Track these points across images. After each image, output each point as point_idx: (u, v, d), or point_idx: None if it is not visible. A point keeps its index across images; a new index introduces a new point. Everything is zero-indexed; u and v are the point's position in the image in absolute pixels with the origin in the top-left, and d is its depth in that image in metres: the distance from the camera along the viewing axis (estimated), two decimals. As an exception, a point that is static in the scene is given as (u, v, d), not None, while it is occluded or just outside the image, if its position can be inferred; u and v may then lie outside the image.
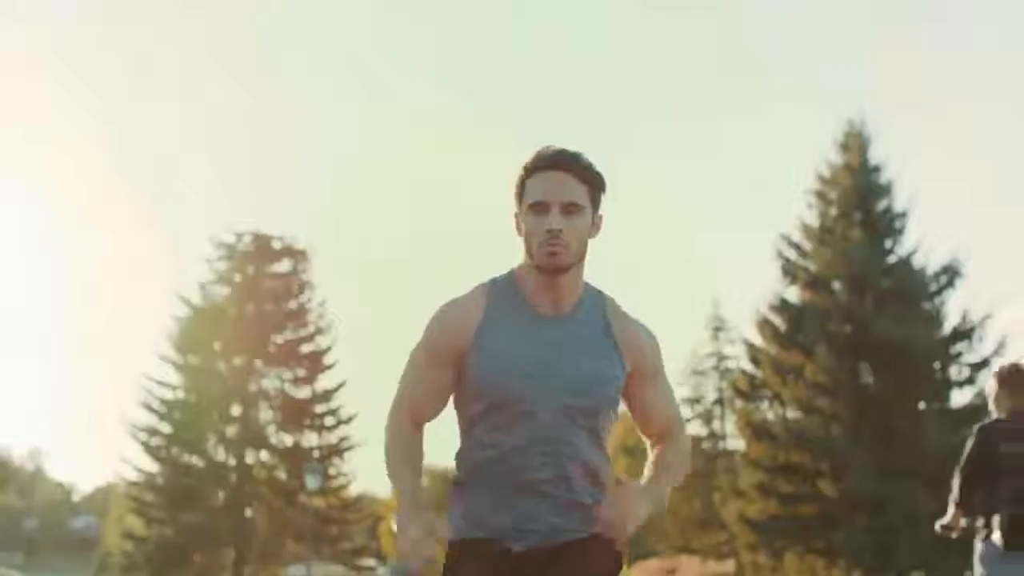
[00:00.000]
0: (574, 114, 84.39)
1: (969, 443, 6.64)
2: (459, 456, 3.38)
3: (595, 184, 3.27)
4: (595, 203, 3.28)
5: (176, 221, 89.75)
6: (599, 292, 3.36)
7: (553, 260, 3.19)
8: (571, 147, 3.34)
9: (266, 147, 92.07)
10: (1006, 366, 6.70)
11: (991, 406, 6.72)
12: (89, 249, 65.87)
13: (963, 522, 6.72)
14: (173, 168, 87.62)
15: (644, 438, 3.49)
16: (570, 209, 3.20)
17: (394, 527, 3.18)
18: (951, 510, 6.72)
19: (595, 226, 3.30)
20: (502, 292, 3.30)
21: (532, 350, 3.22)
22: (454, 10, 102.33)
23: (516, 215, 3.31)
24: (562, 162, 3.24)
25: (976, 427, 6.63)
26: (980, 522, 6.63)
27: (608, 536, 3.22)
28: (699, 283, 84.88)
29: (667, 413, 3.42)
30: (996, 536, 6.47)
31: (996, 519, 6.46)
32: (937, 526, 6.91)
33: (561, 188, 3.21)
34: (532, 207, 3.22)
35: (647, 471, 3.39)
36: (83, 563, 61.88)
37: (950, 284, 31.20)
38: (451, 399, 3.39)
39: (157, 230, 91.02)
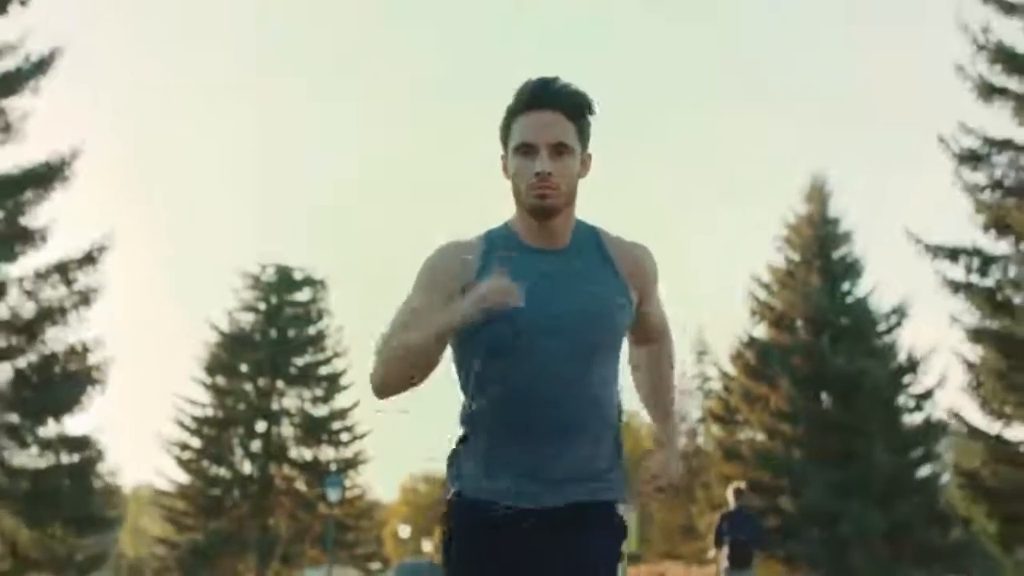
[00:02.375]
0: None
1: None
2: (462, 412, 3.30)
3: (584, 119, 3.21)
4: (584, 141, 3.22)
5: (203, 253, 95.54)
6: (589, 225, 3.33)
7: (543, 203, 3.15)
8: (558, 78, 3.22)
9: (285, 181, 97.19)
10: None
11: None
12: (123, 278, 71.70)
13: None
14: (200, 202, 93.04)
15: (631, 341, 3.48)
16: (559, 150, 3.15)
17: (456, 315, 3.07)
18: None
19: (584, 165, 3.25)
20: (499, 236, 3.27)
21: (535, 283, 3.14)
22: (469, 24, 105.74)
23: (503, 157, 3.25)
24: (549, 99, 3.17)
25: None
26: None
27: (656, 487, 3.38)
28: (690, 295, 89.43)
29: (659, 320, 3.47)
30: None
31: None
32: None
33: (549, 129, 3.15)
34: (518, 149, 3.17)
35: (651, 396, 3.56)
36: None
37: (899, 323, 36.87)
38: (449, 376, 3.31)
39: (186, 261, 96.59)
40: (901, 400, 36.81)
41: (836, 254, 37.49)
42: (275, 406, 43.53)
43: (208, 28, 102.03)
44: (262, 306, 44.43)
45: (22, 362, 22.44)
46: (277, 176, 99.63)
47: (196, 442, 42.95)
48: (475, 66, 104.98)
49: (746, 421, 37.63)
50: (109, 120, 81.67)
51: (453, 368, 3.31)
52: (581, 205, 3.34)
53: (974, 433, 22.60)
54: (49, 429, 23.01)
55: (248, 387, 43.54)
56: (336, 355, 44.60)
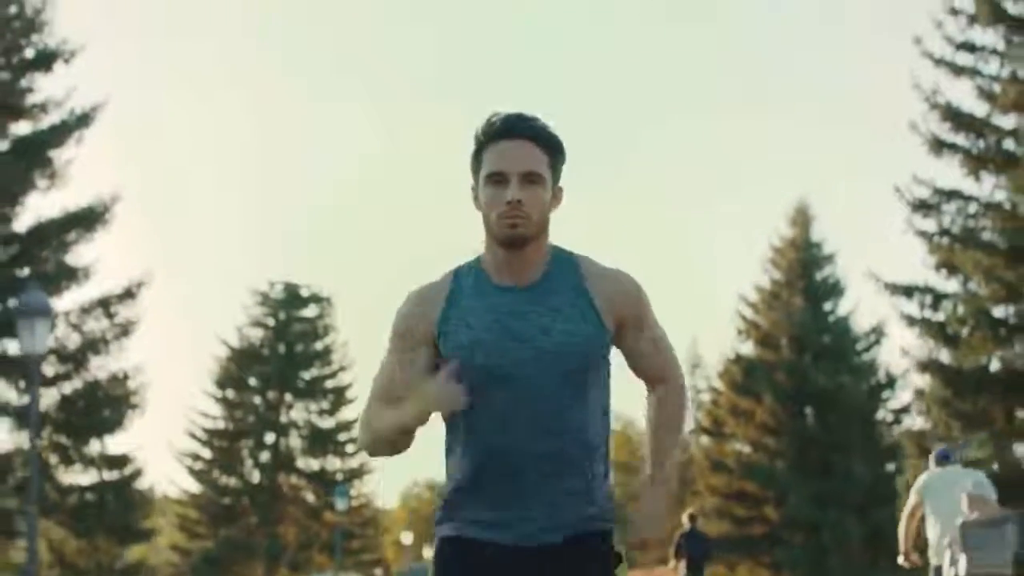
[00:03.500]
0: (578, 122, 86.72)
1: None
2: (446, 455, 3.32)
3: (556, 152, 3.21)
4: (556, 173, 3.21)
5: (207, 267, 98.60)
6: (569, 253, 3.29)
7: (514, 232, 3.13)
8: (527, 111, 3.23)
9: (285, 189, 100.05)
10: None
11: None
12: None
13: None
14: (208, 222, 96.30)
15: (641, 381, 3.42)
16: (531, 178, 3.14)
17: (407, 414, 3.12)
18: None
19: (556, 198, 3.24)
20: (467, 273, 3.25)
21: (497, 323, 3.16)
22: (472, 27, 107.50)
23: (473, 188, 3.24)
24: (520, 129, 3.17)
25: None
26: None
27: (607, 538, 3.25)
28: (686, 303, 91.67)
29: (657, 361, 3.34)
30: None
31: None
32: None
33: (520, 157, 3.14)
34: (490, 178, 3.15)
35: (648, 435, 3.36)
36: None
37: (877, 342, 39.85)
38: None
39: (196, 278, 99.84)
40: (879, 415, 39.78)
41: (819, 275, 40.46)
42: (283, 418, 45.94)
43: (205, 27, 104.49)
44: (271, 322, 46.80)
45: (68, 388, 25.30)
46: (277, 186, 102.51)
47: (207, 453, 45.22)
48: (474, 66, 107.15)
49: (732, 434, 40.58)
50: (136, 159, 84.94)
51: None
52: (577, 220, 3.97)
53: (925, 453, 25.50)
54: (93, 448, 26.06)
55: (257, 400, 46.02)
56: (342, 369, 47.11)
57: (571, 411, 3.18)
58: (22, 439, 24.89)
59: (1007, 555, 9.96)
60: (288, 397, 46.19)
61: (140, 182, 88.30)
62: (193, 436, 45.21)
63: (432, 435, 3.33)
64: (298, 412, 46.50)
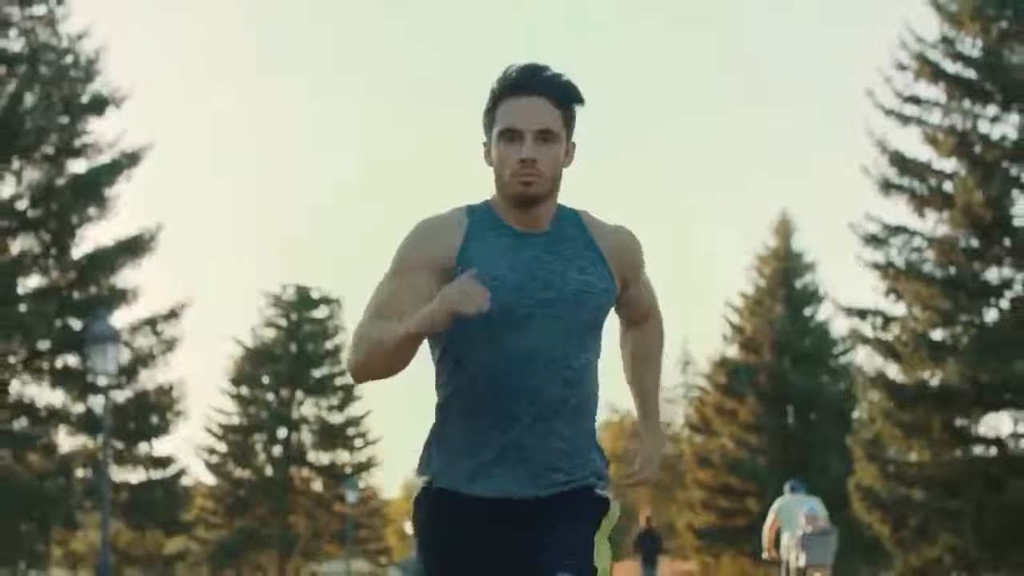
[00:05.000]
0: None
1: None
2: (438, 398, 3.33)
3: (570, 108, 3.26)
4: (569, 129, 3.27)
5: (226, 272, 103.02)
6: (571, 208, 3.37)
7: (527, 190, 3.18)
8: (546, 65, 3.26)
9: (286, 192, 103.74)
10: None
11: None
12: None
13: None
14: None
15: (622, 323, 3.58)
16: (544, 136, 3.18)
17: (427, 316, 3.01)
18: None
19: (568, 154, 3.28)
20: (481, 213, 3.30)
21: (518, 264, 3.21)
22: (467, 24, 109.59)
23: (485, 144, 3.29)
24: (535, 85, 3.21)
25: None
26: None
27: (639, 480, 3.54)
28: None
29: (647, 303, 3.54)
30: None
31: None
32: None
33: (534, 114, 3.19)
34: (503, 135, 3.20)
35: (631, 365, 3.62)
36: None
37: (853, 347, 43.99)
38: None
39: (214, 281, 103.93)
40: (855, 415, 44.02)
41: (799, 283, 44.73)
42: (295, 414, 48.82)
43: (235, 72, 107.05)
44: (283, 323, 49.79)
45: (121, 397, 29.52)
46: (282, 193, 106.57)
47: (223, 447, 48.28)
48: (476, 64, 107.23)
49: (718, 431, 44.95)
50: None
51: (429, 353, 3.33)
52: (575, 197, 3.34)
53: (871, 457, 29.85)
54: (142, 450, 30.49)
55: (270, 397, 48.84)
56: None
57: (579, 360, 3.25)
58: (80, 442, 29.36)
59: (830, 554, 15.71)
60: (299, 394, 48.86)
61: (177, 213, 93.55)
62: (210, 431, 47.91)
63: (428, 428, 3.32)
64: (309, 408, 49.26)
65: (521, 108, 3.21)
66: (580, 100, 3.29)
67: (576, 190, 3.65)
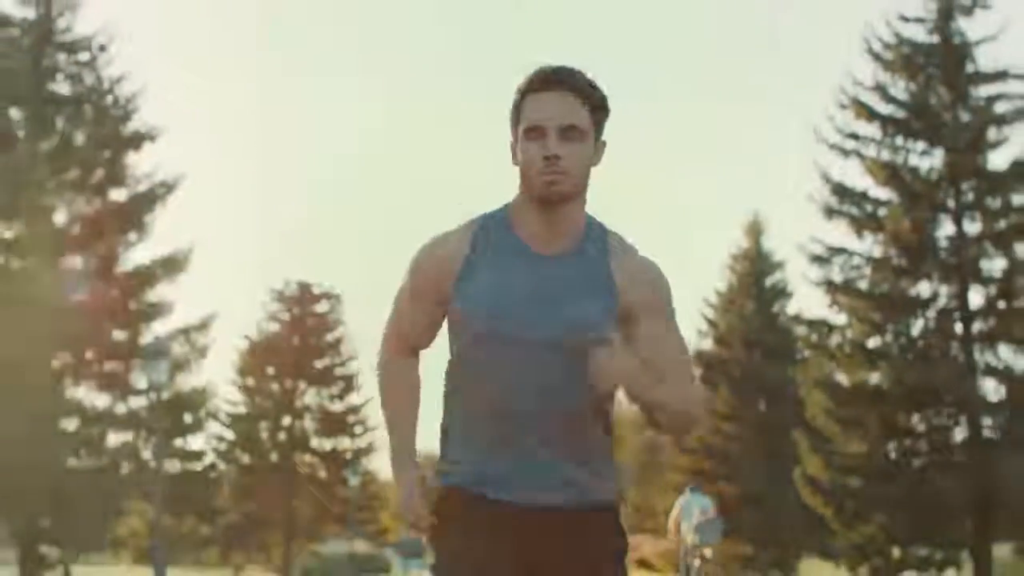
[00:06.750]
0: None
1: None
2: (445, 397, 3.44)
3: (598, 105, 3.27)
4: (598, 127, 3.28)
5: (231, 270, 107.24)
6: (602, 227, 3.36)
7: (552, 189, 3.18)
8: (572, 64, 3.26)
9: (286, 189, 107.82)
10: None
11: None
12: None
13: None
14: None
15: None
16: (570, 134, 3.20)
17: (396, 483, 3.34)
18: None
19: (597, 153, 3.29)
20: (492, 228, 3.33)
21: (520, 285, 3.23)
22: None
23: (512, 144, 3.31)
24: (561, 81, 3.23)
25: None
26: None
27: (595, 380, 3.22)
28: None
29: (675, 354, 3.37)
30: None
31: None
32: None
33: (560, 110, 3.21)
34: (528, 132, 3.22)
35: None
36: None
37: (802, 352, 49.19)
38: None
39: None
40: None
41: (769, 281, 50.04)
42: (298, 403, 51.65)
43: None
44: (286, 317, 52.90)
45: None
46: (283, 194, 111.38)
47: (230, 435, 51.15)
48: (479, 64, 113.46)
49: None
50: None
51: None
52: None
53: (815, 449, 35.27)
54: (178, 445, 35.88)
55: (275, 387, 51.62)
56: (351, 358, 52.96)
57: (571, 384, 3.25)
58: (121, 439, 34.63)
59: (717, 536, 22.30)
60: (302, 384, 51.68)
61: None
62: (217, 419, 50.13)
63: (429, 411, 3.48)
64: (311, 397, 52.19)
65: (545, 104, 3.24)
66: (604, 105, 3.31)
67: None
